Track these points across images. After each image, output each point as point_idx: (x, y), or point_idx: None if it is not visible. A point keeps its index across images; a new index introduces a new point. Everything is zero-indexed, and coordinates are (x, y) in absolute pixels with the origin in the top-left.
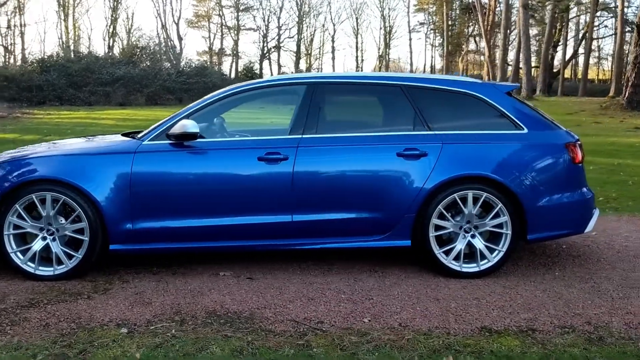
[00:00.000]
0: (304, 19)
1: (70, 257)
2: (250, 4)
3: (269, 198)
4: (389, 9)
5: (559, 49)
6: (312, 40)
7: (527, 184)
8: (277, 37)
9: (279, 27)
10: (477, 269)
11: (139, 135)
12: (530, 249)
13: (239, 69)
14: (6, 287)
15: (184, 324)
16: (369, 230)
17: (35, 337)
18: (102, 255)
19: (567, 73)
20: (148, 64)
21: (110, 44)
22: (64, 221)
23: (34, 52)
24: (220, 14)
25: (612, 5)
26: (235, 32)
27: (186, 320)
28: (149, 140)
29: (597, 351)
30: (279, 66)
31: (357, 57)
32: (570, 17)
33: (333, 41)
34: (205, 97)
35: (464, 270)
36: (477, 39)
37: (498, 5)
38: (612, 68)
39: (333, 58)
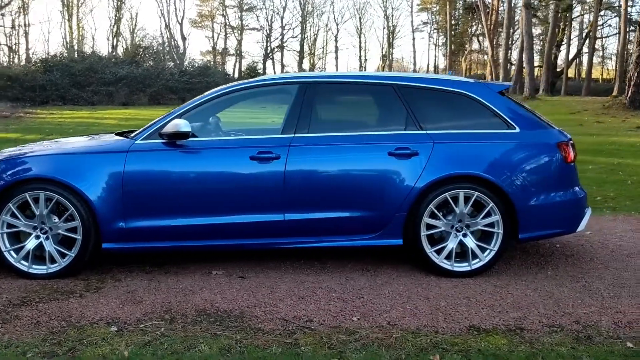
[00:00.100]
0: (307, 18)
1: (63, 255)
2: (254, 4)
3: (261, 197)
4: (392, 8)
5: (563, 48)
6: (315, 40)
7: (519, 183)
8: (280, 37)
9: (283, 27)
10: (468, 268)
11: (132, 135)
12: (523, 248)
13: (243, 69)
14: None
15: (173, 323)
16: (361, 229)
17: (26, 335)
18: (95, 254)
19: (571, 72)
20: (151, 63)
21: (114, 44)
22: (57, 220)
23: (38, 52)
24: (224, 13)
25: (616, 4)
26: (239, 32)
27: (176, 319)
28: (141, 140)
29: (585, 350)
30: (282, 66)
31: (360, 56)
32: (573, 16)
33: (336, 41)
34: (198, 96)
35: (456, 269)
36: (480, 38)
37: (501, 4)
38: (616, 67)
39: (336, 58)
